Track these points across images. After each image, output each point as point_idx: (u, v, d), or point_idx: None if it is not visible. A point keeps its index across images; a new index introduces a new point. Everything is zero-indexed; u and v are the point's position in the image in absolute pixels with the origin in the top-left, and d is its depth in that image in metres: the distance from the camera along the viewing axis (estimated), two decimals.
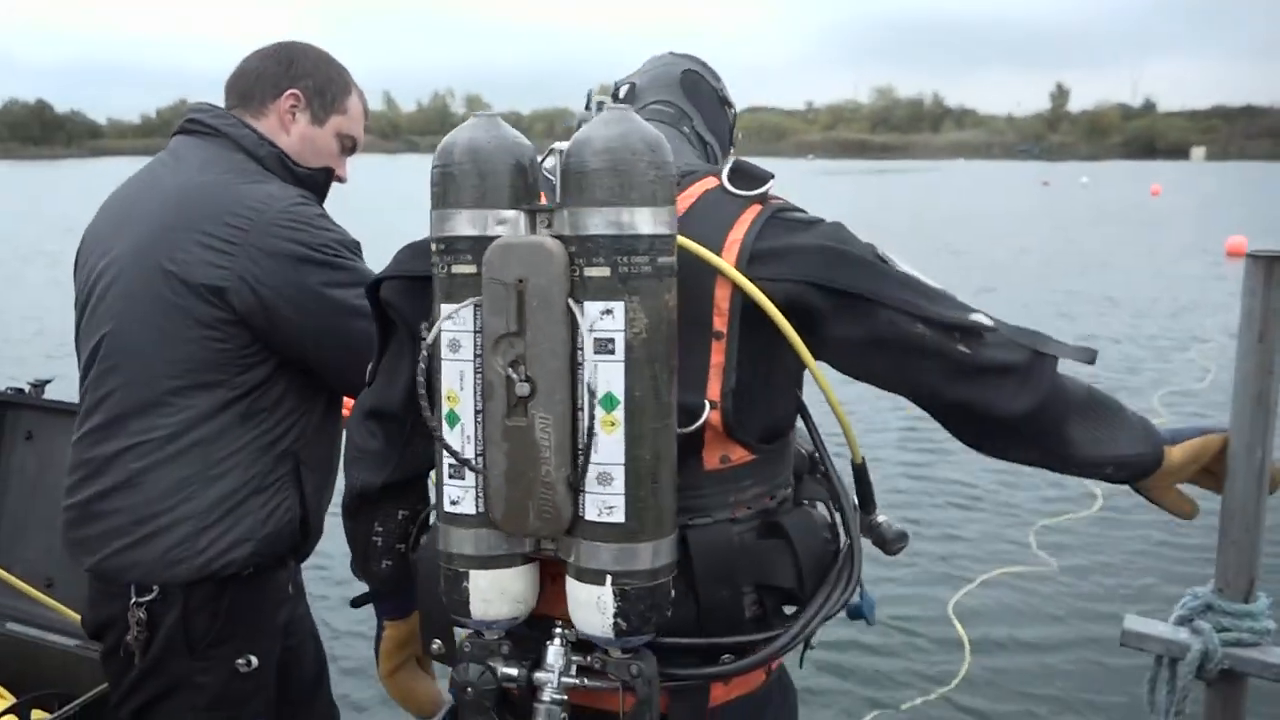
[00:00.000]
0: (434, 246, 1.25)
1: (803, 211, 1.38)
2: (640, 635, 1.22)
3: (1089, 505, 5.49)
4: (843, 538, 1.42)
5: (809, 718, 3.46)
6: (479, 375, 1.22)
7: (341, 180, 1.96)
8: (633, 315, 1.17)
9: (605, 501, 1.20)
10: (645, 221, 1.17)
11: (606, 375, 1.18)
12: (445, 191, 1.23)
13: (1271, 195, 36.64)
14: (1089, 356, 1.32)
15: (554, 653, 1.29)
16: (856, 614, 1.46)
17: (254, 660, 1.79)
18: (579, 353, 1.19)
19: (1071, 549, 4.97)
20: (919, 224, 23.62)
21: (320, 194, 1.89)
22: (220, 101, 1.90)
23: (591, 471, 1.19)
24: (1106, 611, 4.20)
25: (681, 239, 1.25)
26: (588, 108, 1.42)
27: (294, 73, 1.87)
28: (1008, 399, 1.28)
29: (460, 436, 1.24)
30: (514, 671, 1.29)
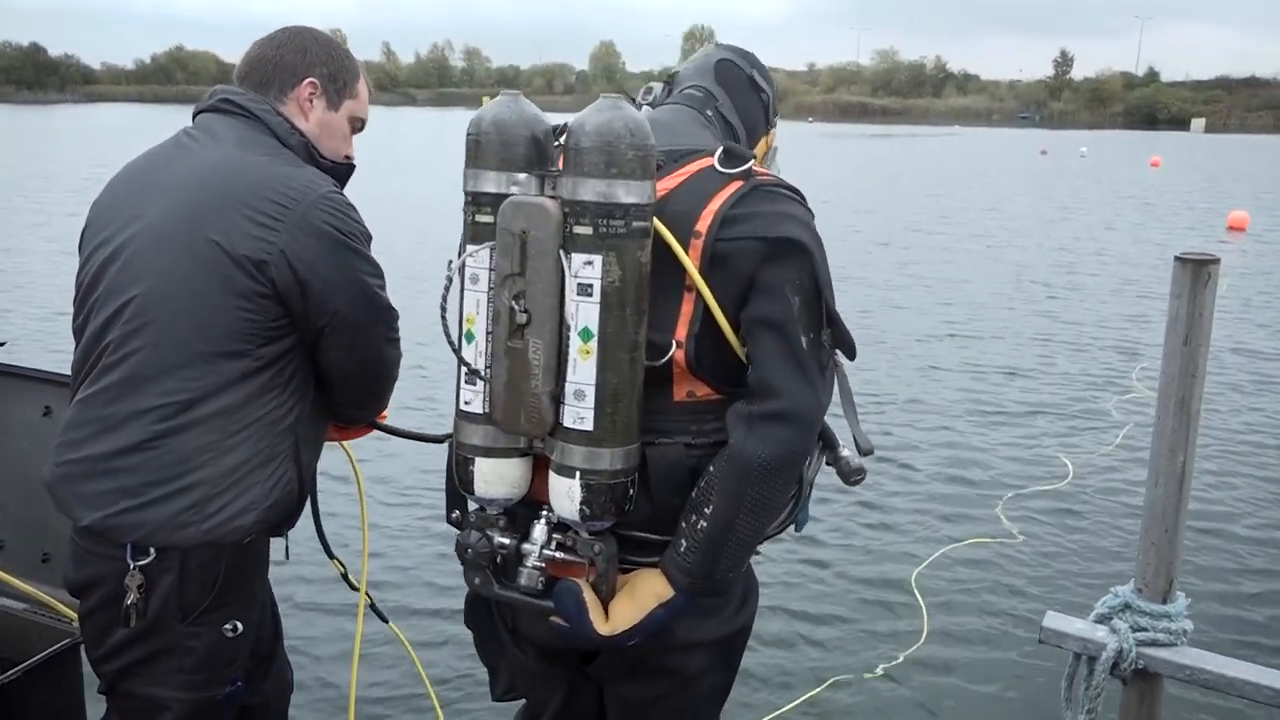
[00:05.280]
0: (465, 198, 1.53)
1: (789, 189, 1.58)
2: (601, 521, 1.51)
3: (1061, 479, 5.53)
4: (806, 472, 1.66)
5: (761, 687, 3.51)
6: (490, 304, 1.51)
7: (350, 160, 2.03)
8: (608, 266, 1.43)
9: (578, 413, 1.48)
10: (624, 192, 1.42)
11: (585, 313, 1.45)
12: (475, 155, 1.52)
13: (1272, 169, 36.48)
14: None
15: (539, 529, 1.58)
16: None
17: (239, 626, 1.84)
18: (567, 293, 1.45)
19: (1039, 521, 4.99)
20: (893, 193, 23.32)
21: (342, 184, 1.95)
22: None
23: (569, 388, 1.48)
24: (1072, 586, 4.19)
25: (656, 222, 1.49)
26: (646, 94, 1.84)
27: (309, 60, 1.94)
28: (768, 435, 1.48)
29: (474, 351, 1.54)
30: (507, 541, 1.58)
